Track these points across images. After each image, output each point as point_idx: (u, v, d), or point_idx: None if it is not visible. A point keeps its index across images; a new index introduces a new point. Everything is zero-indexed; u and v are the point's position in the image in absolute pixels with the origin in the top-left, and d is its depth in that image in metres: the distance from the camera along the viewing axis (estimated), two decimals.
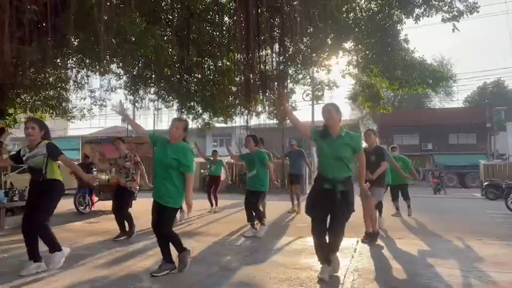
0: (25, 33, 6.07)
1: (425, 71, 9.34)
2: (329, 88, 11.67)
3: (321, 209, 3.64)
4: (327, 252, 3.69)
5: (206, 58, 10.22)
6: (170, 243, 3.98)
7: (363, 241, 5.52)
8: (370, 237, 5.51)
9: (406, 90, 10.05)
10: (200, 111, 11.57)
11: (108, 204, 10.07)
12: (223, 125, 13.09)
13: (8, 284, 3.60)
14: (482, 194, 15.64)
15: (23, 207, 7.40)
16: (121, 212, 5.98)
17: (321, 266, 3.72)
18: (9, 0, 5.61)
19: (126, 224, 6.06)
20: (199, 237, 6.12)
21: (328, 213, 3.66)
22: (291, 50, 9.57)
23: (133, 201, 6.54)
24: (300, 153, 9.39)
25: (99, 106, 11.23)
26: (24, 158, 4.10)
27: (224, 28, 9.71)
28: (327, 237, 3.70)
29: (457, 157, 31.04)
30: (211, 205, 9.54)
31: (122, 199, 6.03)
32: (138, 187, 6.24)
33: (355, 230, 6.81)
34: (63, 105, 10.91)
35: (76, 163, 5.56)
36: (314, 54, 9.80)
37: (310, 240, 5.85)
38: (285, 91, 10.28)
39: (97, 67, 9.69)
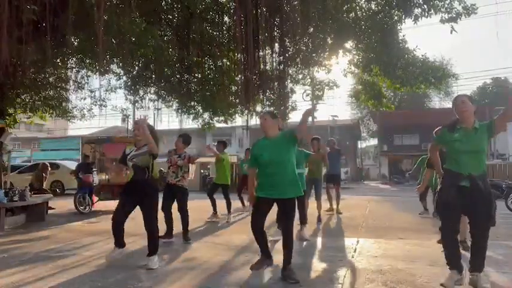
0: (25, 33, 6.06)
1: (427, 70, 9.34)
2: (329, 88, 11.67)
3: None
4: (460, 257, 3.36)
5: (206, 58, 10.21)
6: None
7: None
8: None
9: (408, 89, 10.05)
10: (200, 111, 11.58)
11: (108, 204, 10.09)
12: (224, 124, 13.07)
13: (8, 283, 3.60)
14: None
15: (24, 207, 7.48)
16: (170, 212, 5.77)
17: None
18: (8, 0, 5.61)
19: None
20: (199, 237, 6.12)
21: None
22: (291, 50, 9.56)
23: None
24: (338, 152, 9.37)
25: (99, 106, 11.21)
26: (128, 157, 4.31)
27: (224, 28, 9.70)
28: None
29: None
30: (243, 205, 9.32)
31: (172, 198, 5.81)
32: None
33: (355, 230, 6.82)
34: (63, 105, 10.89)
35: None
36: (314, 54, 9.79)
37: (310, 240, 5.86)
38: (285, 91, 10.28)
39: (97, 67, 9.68)
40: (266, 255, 3.94)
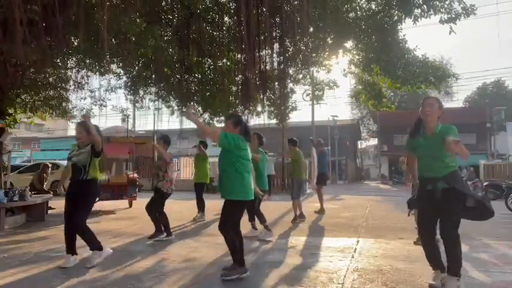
0: (25, 33, 6.05)
1: (427, 69, 9.35)
2: (329, 88, 11.68)
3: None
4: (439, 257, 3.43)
5: (206, 58, 10.21)
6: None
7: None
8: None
9: (408, 88, 10.07)
10: (200, 111, 11.59)
11: (107, 204, 10.11)
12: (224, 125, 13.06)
13: (8, 283, 3.60)
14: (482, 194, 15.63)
15: (24, 207, 7.47)
16: (151, 212, 5.80)
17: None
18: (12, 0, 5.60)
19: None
20: (199, 237, 6.12)
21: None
22: (291, 50, 9.56)
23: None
24: (323, 152, 9.64)
25: (99, 106, 11.22)
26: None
27: (224, 28, 9.70)
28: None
29: (457, 157, 31.13)
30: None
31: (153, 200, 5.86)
32: (170, 188, 5.86)
33: (355, 230, 6.82)
34: (63, 105, 10.88)
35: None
36: (314, 54, 9.81)
37: (310, 240, 5.87)
38: (285, 91, 10.28)
39: (97, 67, 9.68)
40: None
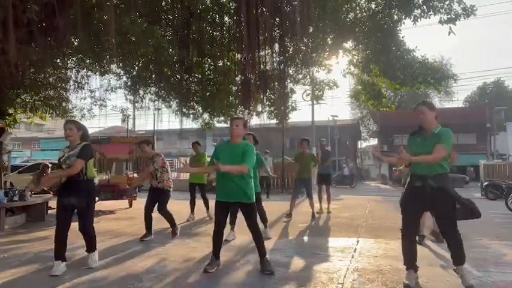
0: (25, 33, 6.05)
1: (426, 70, 9.35)
2: (329, 88, 11.66)
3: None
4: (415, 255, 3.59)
5: (206, 58, 10.21)
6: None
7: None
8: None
9: (408, 89, 10.08)
10: (200, 111, 11.58)
11: (107, 204, 10.11)
12: (224, 125, 13.06)
13: (8, 283, 3.60)
14: (482, 194, 15.63)
15: (24, 207, 7.48)
16: (150, 213, 5.92)
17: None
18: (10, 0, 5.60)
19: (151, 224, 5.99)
20: (199, 237, 6.12)
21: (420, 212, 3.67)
22: (291, 50, 9.55)
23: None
24: (328, 152, 9.70)
25: (99, 106, 11.21)
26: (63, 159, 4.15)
27: (224, 28, 9.70)
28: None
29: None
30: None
31: (154, 200, 5.96)
32: (171, 187, 6.07)
33: (355, 230, 6.82)
34: (63, 105, 10.85)
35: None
36: (314, 54, 9.80)
37: (310, 240, 5.88)
38: (285, 91, 10.28)
39: (97, 67, 9.67)
40: (217, 257, 4.12)
